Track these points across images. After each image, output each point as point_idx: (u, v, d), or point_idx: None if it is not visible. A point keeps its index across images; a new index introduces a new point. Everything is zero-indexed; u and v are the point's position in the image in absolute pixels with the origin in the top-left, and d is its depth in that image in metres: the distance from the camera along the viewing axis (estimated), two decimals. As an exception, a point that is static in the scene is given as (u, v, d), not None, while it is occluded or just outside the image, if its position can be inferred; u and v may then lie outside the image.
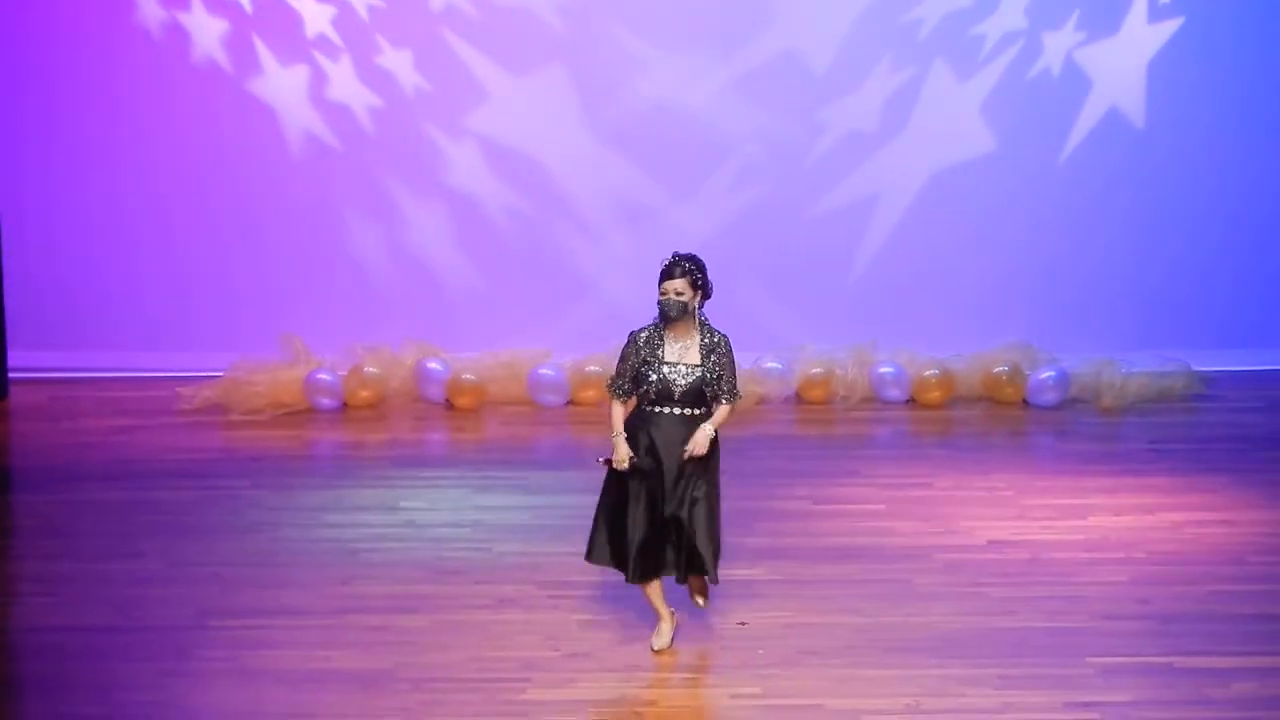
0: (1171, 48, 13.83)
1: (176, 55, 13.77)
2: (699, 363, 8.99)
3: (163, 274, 14.01)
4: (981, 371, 13.65)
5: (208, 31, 13.74)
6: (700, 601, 9.40)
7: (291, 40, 13.79)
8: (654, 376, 8.97)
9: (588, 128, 13.93)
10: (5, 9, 13.72)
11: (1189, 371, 13.73)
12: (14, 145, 13.82)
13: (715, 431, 9.04)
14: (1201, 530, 11.04)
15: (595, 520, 9.22)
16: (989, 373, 13.63)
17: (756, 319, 13.79)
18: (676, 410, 9.01)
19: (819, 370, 13.67)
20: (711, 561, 9.08)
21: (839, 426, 13.24)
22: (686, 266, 8.96)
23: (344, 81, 13.84)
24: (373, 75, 13.85)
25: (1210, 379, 13.84)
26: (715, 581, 9.20)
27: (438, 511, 11.44)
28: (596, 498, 9.23)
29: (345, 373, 13.58)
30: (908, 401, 13.68)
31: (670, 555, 9.08)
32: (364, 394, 13.54)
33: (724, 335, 9.09)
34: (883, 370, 13.67)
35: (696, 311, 9.03)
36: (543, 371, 13.62)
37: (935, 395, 13.61)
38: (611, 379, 9.13)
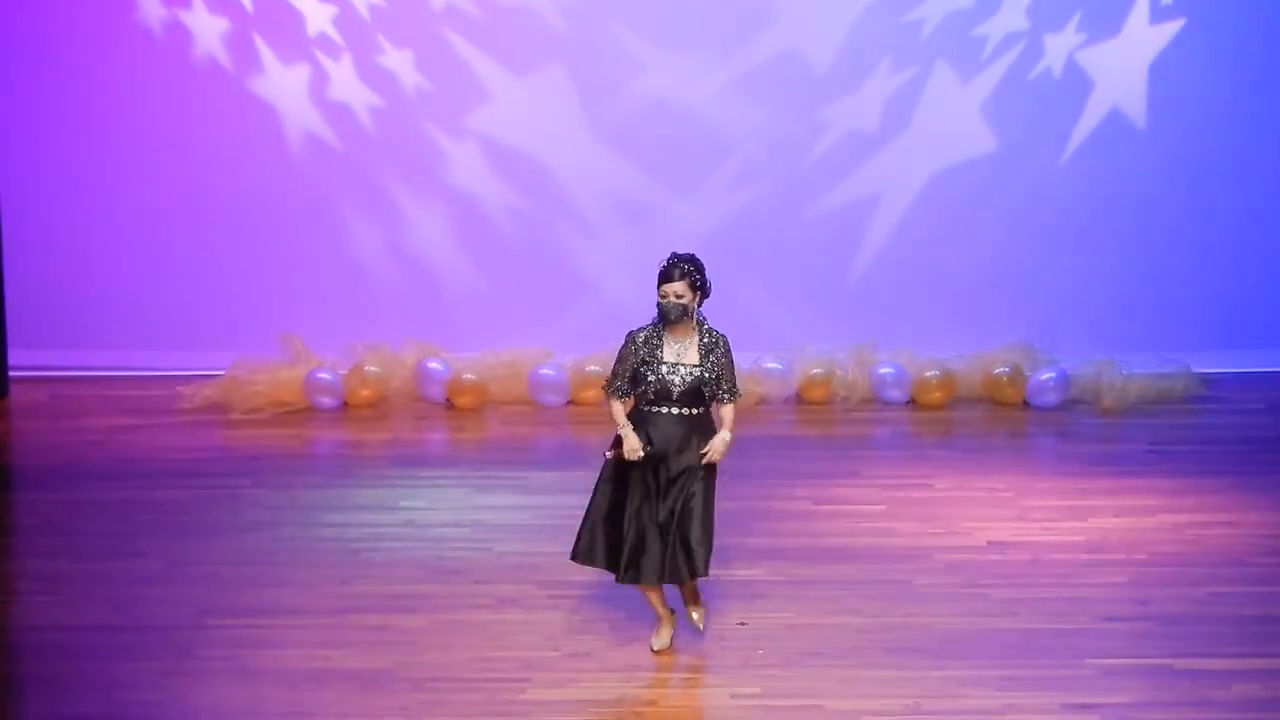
0: (1173, 49, 13.83)
1: (177, 54, 13.76)
2: (698, 362, 8.99)
3: (163, 273, 14.01)
4: (982, 372, 13.65)
5: (209, 30, 13.74)
6: (696, 618, 9.32)
7: (292, 39, 13.79)
8: (652, 377, 8.96)
9: (588, 127, 13.93)
10: (5, 8, 13.71)
11: (1189, 373, 13.73)
12: (14, 144, 13.81)
13: (731, 436, 9.03)
14: (1202, 532, 11.04)
15: (585, 520, 9.19)
16: (989, 374, 13.62)
17: (757, 319, 13.79)
18: (675, 410, 9.00)
19: (819, 371, 13.66)
20: (703, 560, 9.04)
21: (839, 427, 13.24)
22: (686, 268, 8.94)
23: (345, 81, 13.84)
24: (374, 75, 13.85)
25: (1211, 380, 13.84)
26: (704, 575, 9.13)
27: (438, 511, 11.44)
28: (591, 494, 9.22)
29: (346, 372, 13.58)
30: (908, 402, 13.68)
31: (663, 555, 9.03)
32: (364, 393, 13.54)
33: (722, 335, 9.09)
34: (883, 371, 13.67)
35: (695, 312, 9.03)
36: (543, 371, 13.62)
37: (936, 396, 13.61)
38: (609, 379, 9.11)
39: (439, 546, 10.81)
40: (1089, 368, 13.63)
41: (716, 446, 9.01)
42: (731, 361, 9.07)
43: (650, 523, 9.02)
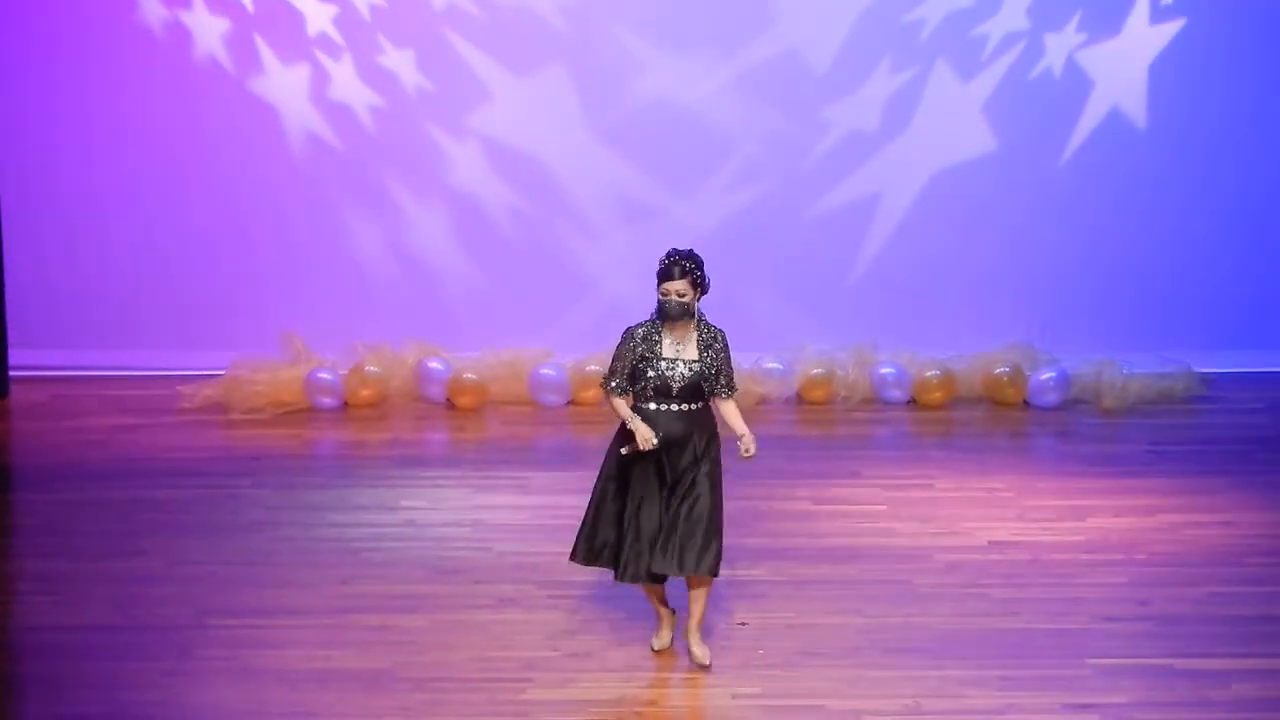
0: (1173, 49, 13.83)
1: (178, 54, 13.77)
2: (696, 358, 8.98)
3: (163, 272, 14.01)
4: (982, 372, 13.65)
5: (209, 30, 13.74)
6: (699, 654, 9.19)
7: (293, 39, 13.79)
8: (652, 373, 8.95)
9: (589, 127, 13.93)
10: (6, 8, 13.72)
11: (1190, 373, 13.73)
12: (15, 144, 13.81)
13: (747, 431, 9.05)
14: (1201, 532, 11.05)
15: (585, 521, 9.18)
16: (990, 373, 13.63)
17: (757, 319, 13.79)
18: (675, 406, 8.99)
19: (820, 371, 13.67)
20: (710, 561, 9.01)
21: (840, 427, 13.24)
22: (687, 266, 8.93)
23: (345, 81, 13.84)
24: (374, 75, 13.85)
25: (1211, 380, 13.84)
26: (713, 575, 9.10)
27: (438, 511, 11.44)
28: (591, 494, 9.22)
29: (346, 372, 13.58)
30: (909, 402, 13.68)
31: (664, 552, 9.00)
32: (365, 393, 13.54)
33: (720, 330, 9.08)
34: (884, 371, 13.68)
35: (695, 308, 9.03)
36: (544, 371, 13.62)
37: (936, 396, 13.61)
38: (607, 376, 9.09)
39: (439, 546, 10.82)
40: (1089, 368, 13.64)
41: (750, 444, 8.99)
42: (730, 356, 9.07)
43: (650, 521, 9.01)
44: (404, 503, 11.54)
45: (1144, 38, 13.84)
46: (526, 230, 14.04)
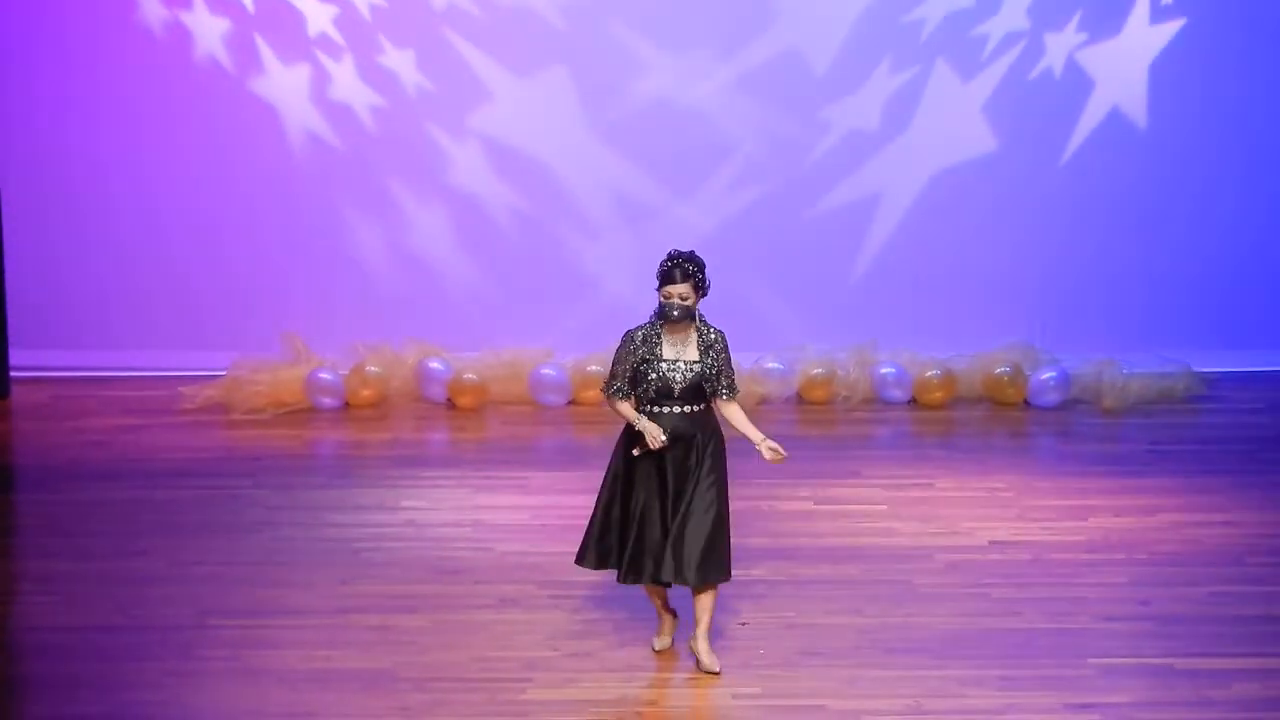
0: (1173, 49, 13.83)
1: (178, 54, 13.77)
2: (697, 359, 8.97)
3: (164, 273, 14.01)
4: (983, 372, 13.65)
5: (209, 30, 13.74)
6: (707, 662, 9.13)
7: (293, 39, 13.79)
8: (653, 375, 8.93)
9: (589, 127, 13.93)
10: (6, 8, 13.72)
11: (1190, 372, 13.73)
12: (15, 144, 13.81)
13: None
14: (1202, 531, 11.05)
15: (590, 524, 9.17)
16: (990, 373, 13.63)
17: (757, 319, 13.79)
18: (677, 408, 8.97)
19: (820, 371, 13.67)
20: (716, 568, 8.99)
21: (840, 427, 13.24)
22: (689, 269, 8.91)
23: (346, 81, 13.84)
24: (375, 75, 13.85)
25: (1211, 380, 13.84)
26: (724, 579, 9.09)
27: (439, 511, 11.44)
28: (596, 497, 9.21)
29: (347, 372, 13.58)
30: (909, 402, 13.68)
31: (668, 555, 9.00)
32: (365, 393, 13.55)
33: (720, 330, 9.07)
34: (884, 371, 13.68)
35: (696, 310, 9.02)
36: (544, 371, 13.62)
37: (937, 396, 13.61)
38: (608, 380, 9.06)
39: (440, 546, 10.82)
40: (1090, 367, 13.64)
41: (778, 447, 8.99)
42: (730, 358, 9.06)
43: (654, 525, 8.99)
44: (404, 503, 11.55)
45: (1144, 38, 13.84)
46: (526, 230, 14.05)
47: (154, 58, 13.77)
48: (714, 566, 8.98)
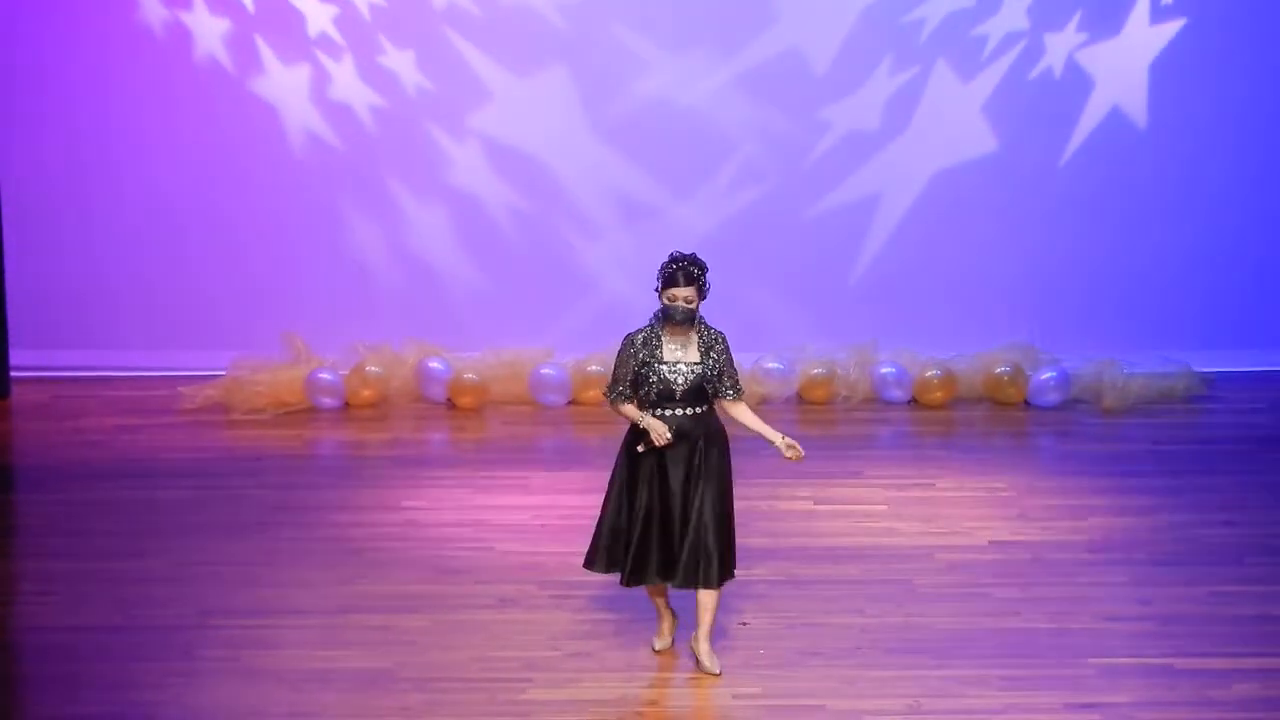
0: (1173, 48, 13.84)
1: (178, 54, 13.77)
2: (698, 360, 8.97)
3: (164, 273, 14.02)
4: (983, 372, 13.66)
5: (210, 31, 13.75)
6: (709, 665, 9.14)
7: (293, 39, 13.80)
8: (654, 377, 8.93)
9: (589, 127, 13.94)
10: (6, 8, 13.72)
11: (1190, 372, 13.73)
12: (15, 144, 13.81)
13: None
14: (1202, 531, 11.05)
15: (597, 528, 9.14)
16: (990, 373, 13.63)
17: (758, 319, 13.80)
18: (679, 410, 8.97)
19: (820, 370, 13.67)
20: (717, 569, 9.00)
21: (840, 427, 13.25)
22: (694, 273, 8.88)
23: (346, 81, 13.84)
24: (375, 74, 13.85)
25: (1212, 380, 13.84)
26: (727, 579, 9.09)
27: (439, 511, 11.44)
28: (597, 497, 9.20)
29: (347, 372, 13.59)
30: (909, 402, 13.69)
31: (671, 557, 9.00)
32: (366, 393, 13.55)
33: (720, 331, 9.07)
34: (884, 370, 13.68)
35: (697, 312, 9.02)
36: (544, 371, 13.62)
37: (937, 396, 13.61)
38: (610, 385, 9.03)
39: (440, 546, 10.82)
40: (1090, 367, 13.64)
41: (796, 445, 9.00)
42: (732, 358, 9.05)
43: (657, 526, 8.97)
44: (404, 503, 11.55)
45: (1144, 38, 13.85)
46: (526, 230, 14.05)
47: (154, 58, 13.77)
48: (719, 568, 8.99)
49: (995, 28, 13.82)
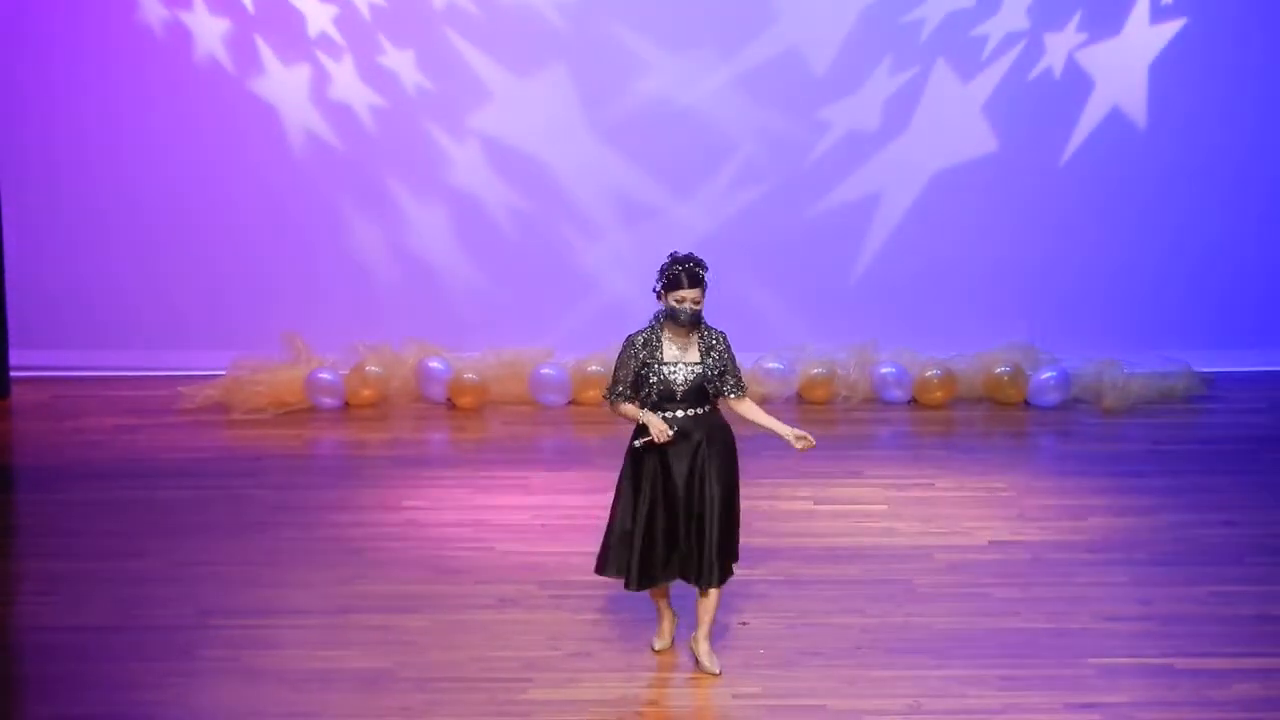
0: (1173, 48, 13.84)
1: (178, 54, 13.77)
2: (698, 360, 8.96)
3: (164, 273, 14.01)
4: (983, 372, 13.66)
5: (209, 31, 13.75)
6: (708, 664, 9.14)
7: (293, 39, 13.80)
8: (654, 379, 8.91)
9: (589, 127, 13.93)
10: (6, 8, 13.72)
11: (1190, 372, 13.73)
12: (15, 144, 13.81)
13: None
14: (1202, 531, 11.05)
15: (609, 532, 9.10)
16: (990, 373, 13.63)
17: (757, 319, 13.81)
18: (680, 411, 8.95)
19: (820, 370, 13.67)
20: (719, 570, 9.00)
21: (840, 427, 13.24)
22: (699, 275, 8.87)
23: (346, 81, 13.84)
24: (375, 74, 13.85)
25: (1212, 380, 13.85)
26: (708, 585, 9.08)
27: (439, 511, 11.44)
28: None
29: (347, 372, 13.59)
30: (909, 402, 13.69)
31: (675, 556, 8.99)
32: (366, 393, 13.55)
33: (721, 331, 9.06)
34: (884, 370, 13.68)
35: (700, 312, 9.03)
36: (544, 371, 13.62)
37: (937, 395, 13.61)
38: (610, 386, 9.01)
39: (440, 546, 10.82)
40: (1090, 367, 13.64)
41: (807, 436, 9.01)
42: (734, 356, 9.04)
43: (661, 526, 8.95)
44: (404, 503, 11.55)
45: (1144, 38, 13.85)
46: (527, 230, 14.05)
47: (154, 58, 13.77)
48: (720, 569, 9.00)
49: (995, 28, 13.83)
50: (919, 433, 13.22)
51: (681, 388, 8.93)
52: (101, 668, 9.22)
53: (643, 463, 8.95)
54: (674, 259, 8.92)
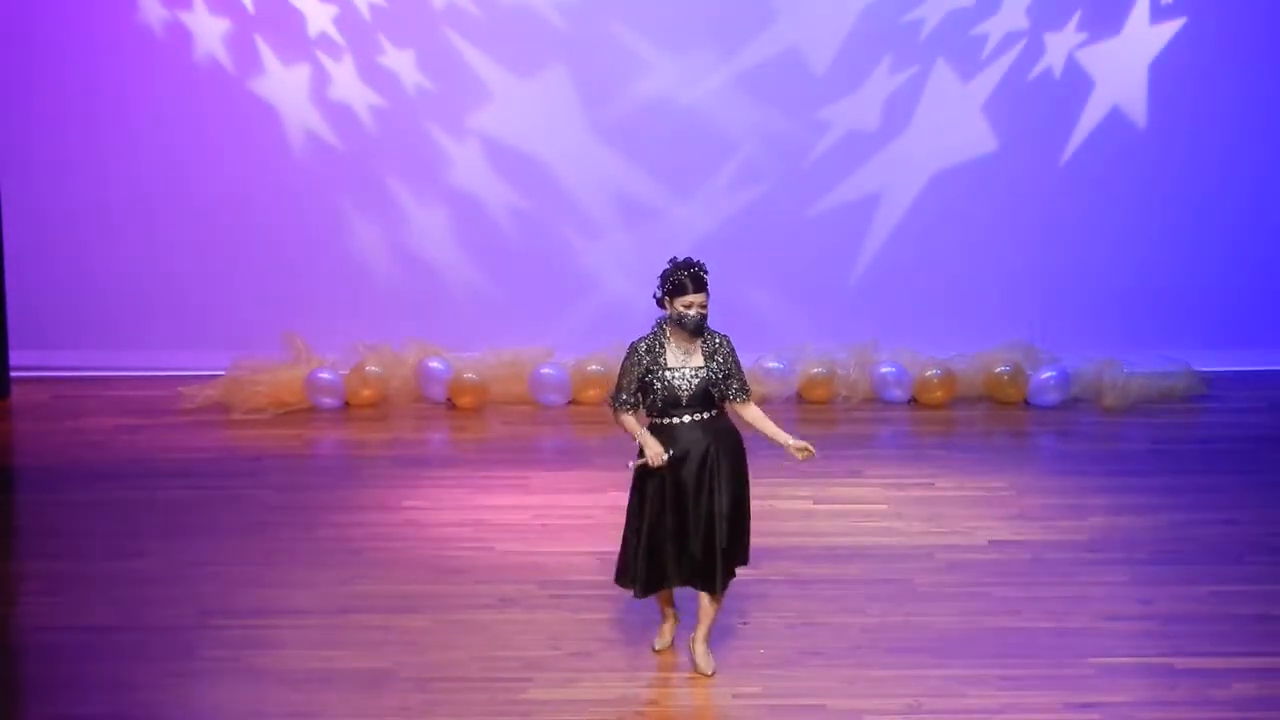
0: (1173, 48, 13.84)
1: (178, 54, 13.77)
2: (702, 364, 8.94)
3: (164, 273, 14.02)
4: (983, 371, 13.65)
5: (209, 31, 13.75)
6: (703, 665, 9.14)
7: (293, 39, 13.80)
8: (659, 384, 8.88)
9: (589, 126, 13.93)
10: (7, 8, 13.72)
11: (1190, 372, 13.73)
12: (15, 144, 13.81)
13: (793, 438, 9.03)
14: (1202, 530, 11.05)
15: (624, 541, 9.05)
16: (990, 372, 13.63)
17: (757, 318, 13.81)
18: (686, 417, 8.91)
19: (820, 370, 13.67)
20: (724, 575, 8.99)
21: (840, 426, 13.25)
22: (703, 279, 8.85)
23: (346, 81, 13.85)
24: (375, 74, 13.85)
25: (1212, 379, 13.84)
26: (713, 589, 9.06)
27: (439, 511, 11.44)
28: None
29: (347, 372, 13.59)
30: (909, 401, 13.69)
31: (686, 560, 8.98)
32: (366, 393, 13.55)
33: (724, 335, 9.05)
34: (884, 370, 13.68)
35: (702, 317, 9.01)
36: (545, 371, 13.62)
37: (937, 395, 13.61)
38: (614, 394, 8.96)
39: (440, 546, 10.82)
40: (1090, 367, 13.64)
41: (808, 446, 9.01)
42: (738, 360, 9.02)
43: (670, 531, 8.91)
44: (404, 503, 11.55)
45: (1144, 37, 13.85)
46: (527, 230, 14.05)
47: (154, 58, 13.77)
48: (724, 574, 8.99)
49: (995, 27, 13.82)
50: (919, 432, 13.21)
51: (686, 393, 8.89)
52: (101, 668, 9.22)
53: (651, 470, 8.91)
54: (676, 264, 8.88)
